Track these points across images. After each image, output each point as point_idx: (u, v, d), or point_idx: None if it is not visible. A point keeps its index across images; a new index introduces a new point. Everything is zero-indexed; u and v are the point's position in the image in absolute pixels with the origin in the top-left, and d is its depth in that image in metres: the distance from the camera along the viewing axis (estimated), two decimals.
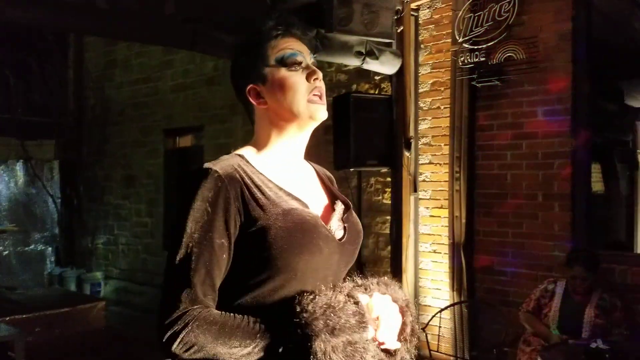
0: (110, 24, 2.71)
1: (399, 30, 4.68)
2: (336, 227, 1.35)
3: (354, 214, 1.43)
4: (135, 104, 7.98)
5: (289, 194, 1.29)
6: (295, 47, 1.33)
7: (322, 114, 1.34)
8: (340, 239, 1.33)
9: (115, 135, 8.28)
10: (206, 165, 1.24)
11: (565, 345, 3.45)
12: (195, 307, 1.15)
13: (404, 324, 1.29)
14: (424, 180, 4.91)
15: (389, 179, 5.04)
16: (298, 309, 1.16)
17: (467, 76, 4.50)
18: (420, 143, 4.92)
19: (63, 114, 8.77)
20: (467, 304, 4.56)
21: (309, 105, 1.32)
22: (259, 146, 1.36)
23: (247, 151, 1.35)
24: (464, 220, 4.56)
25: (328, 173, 1.52)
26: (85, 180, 8.69)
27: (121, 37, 4.93)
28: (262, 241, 1.20)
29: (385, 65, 4.61)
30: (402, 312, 1.30)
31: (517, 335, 3.96)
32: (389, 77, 4.90)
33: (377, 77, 5.24)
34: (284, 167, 1.35)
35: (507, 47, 4.29)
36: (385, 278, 1.35)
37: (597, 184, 5.91)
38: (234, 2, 3.21)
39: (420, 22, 4.91)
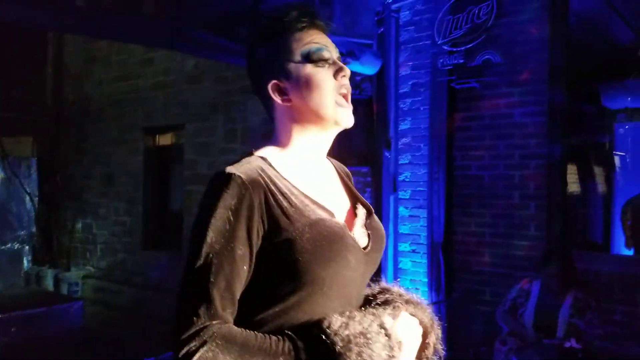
0: (88, 22, 2.69)
1: (379, 31, 4.71)
2: (360, 235, 1.27)
3: (377, 219, 1.35)
4: (115, 101, 7.92)
5: (315, 202, 1.20)
6: (321, 41, 1.24)
7: (348, 120, 1.26)
8: (364, 248, 1.25)
9: (95, 133, 8.20)
10: (228, 169, 1.15)
11: (540, 344, 3.50)
12: (214, 322, 1.08)
13: (427, 344, 1.25)
14: (403, 180, 4.95)
15: (369, 179, 5.08)
16: (329, 333, 1.09)
17: (446, 78, 4.54)
18: (400, 143, 4.96)
19: (41, 111, 8.66)
20: (445, 303, 4.61)
21: (337, 108, 1.24)
22: (281, 145, 1.27)
23: (269, 151, 1.25)
24: (442, 220, 4.61)
25: (346, 169, 1.43)
26: (63, 178, 8.59)
27: (99, 36, 4.89)
28: (288, 253, 1.13)
29: (365, 66, 4.64)
30: (426, 333, 1.25)
31: (494, 334, 4.01)
32: (369, 78, 4.93)
33: (357, 78, 5.27)
34: (306, 168, 1.27)
35: (485, 49, 4.34)
36: (415, 297, 1.29)
37: (573, 185, 6.02)
38: (214, 2, 3.21)
39: (400, 23, 4.94)
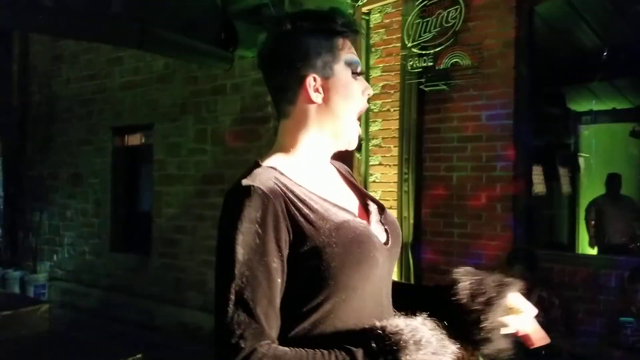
0: (55, 22, 2.66)
1: None
2: (378, 231, 1.25)
3: (390, 214, 1.33)
4: (82, 100, 7.80)
5: (336, 205, 1.18)
6: (356, 55, 1.26)
7: (355, 144, 1.29)
8: (385, 243, 1.24)
9: (62, 133, 8.07)
10: (245, 182, 1.11)
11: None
12: (263, 342, 1.04)
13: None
14: (374, 181, 5.00)
15: None
16: (381, 332, 1.07)
17: (415, 80, 4.60)
18: (370, 145, 5.00)
19: (7, 110, 8.49)
20: None
21: (355, 130, 1.27)
22: (286, 150, 1.25)
23: (277, 160, 1.22)
24: (412, 221, 4.66)
25: (345, 166, 1.41)
26: (29, 179, 8.43)
27: (66, 36, 4.82)
28: (318, 261, 1.10)
29: None
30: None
31: None
32: None
33: None
34: (314, 172, 1.25)
35: (453, 52, 4.41)
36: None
37: (539, 186, 6.14)
38: (184, 3, 3.20)
39: (371, 26, 4.99)
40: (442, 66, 4.46)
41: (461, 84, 4.43)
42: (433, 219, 4.66)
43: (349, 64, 1.24)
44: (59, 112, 8.10)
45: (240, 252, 1.06)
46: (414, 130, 4.68)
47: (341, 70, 1.23)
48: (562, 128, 7.50)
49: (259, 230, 1.07)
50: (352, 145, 1.28)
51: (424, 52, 4.52)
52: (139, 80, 7.10)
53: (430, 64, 4.48)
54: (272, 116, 5.73)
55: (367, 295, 1.16)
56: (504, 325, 1.22)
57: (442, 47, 4.43)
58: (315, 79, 1.21)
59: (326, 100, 1.22)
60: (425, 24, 4.51)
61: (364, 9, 4.89)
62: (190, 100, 6.53)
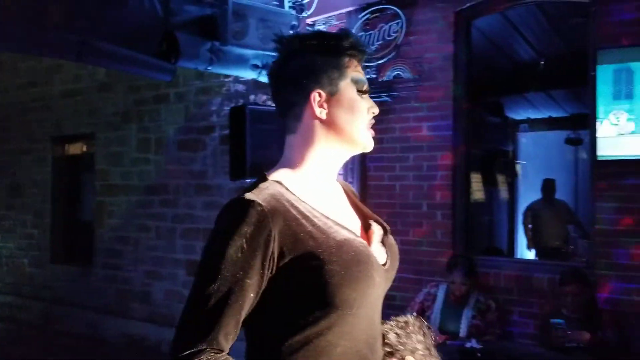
0: None
1: None
2: (378, 252, 1.29)
3: (392, 237, 1.37)
4: (21, 109, 7.58)
5: (338, 223, 1.21)
6: (363, 74, 1.30)
7: (372, 146, 1.33)
8: (383, 264, 1.28)
9: (0, 142, 7.81)
10: (248, 196, 1.14)
11: (444, 345, 3.69)
12: (213, 348, 1.08)
13: None
14: None
15: None
16: None
17: None
18: None
19: None
20: None
21: (368, 134, 1.30)
22: (293, 166, 1.27)
23: (283, 175, 1.25)
24: None
25: (351, 187, 1.44)
26: None
27: (2, 48, 4.68)
28: (317, 276, 1.13)
29: None
30: None
31: None
32: None
33: None
34: (320, 189, 1.28)
35: (396, 65, 4.53)
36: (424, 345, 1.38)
37: (478, 193, 6.34)
38: (124, 14, 3.17)
39: None
40: (384, 78, 4.57)
41: (403, 96, 4.55)
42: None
43: (355, 81, 1.27)
44: None
45: (222, 261, 1.10)
46: None
47: (347, 87, 1.26)
48: (500, 136, 7.78)
49: (244, 246, 1.10)
50: (368, 149, 1.32)
51: (367, 64, 4.62)
52: (80, 89, 6.96)
53: (374, 75, 4.58)
54: (218, 125, 5.72)
55: (362, 314, 1.19)
56: None
57: (385, 59, 4.54)
58: (320, 95, 1.25)
59: (331, 115, 1.25)
60: (368, 36, 4.61)
61: (309, 21, 4.95)
62: (133, 109, 6.44)
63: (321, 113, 1.25)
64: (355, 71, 1.28)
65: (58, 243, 7.26)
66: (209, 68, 4.23)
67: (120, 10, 3.28)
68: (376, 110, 1.32)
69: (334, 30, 4.88)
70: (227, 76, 5.54)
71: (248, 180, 4.71)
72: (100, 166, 6.76)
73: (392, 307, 4.52)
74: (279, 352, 1.15)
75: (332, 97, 1.25)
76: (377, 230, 1.34)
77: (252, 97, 5.53)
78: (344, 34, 1.29)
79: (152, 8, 3.63)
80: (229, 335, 1.11)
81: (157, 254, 6.16)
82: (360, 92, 1.29)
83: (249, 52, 4.35)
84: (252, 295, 1.12)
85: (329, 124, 1.26)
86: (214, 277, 1.10)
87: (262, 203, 1.13)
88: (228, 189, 5.49)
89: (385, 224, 1.37)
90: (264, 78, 4.64)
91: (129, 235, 6.42)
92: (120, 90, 6.56)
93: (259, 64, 4.46)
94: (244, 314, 1.13)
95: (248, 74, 4.58)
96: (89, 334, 6.53)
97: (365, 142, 1.30)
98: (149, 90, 6.27)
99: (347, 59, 1.27)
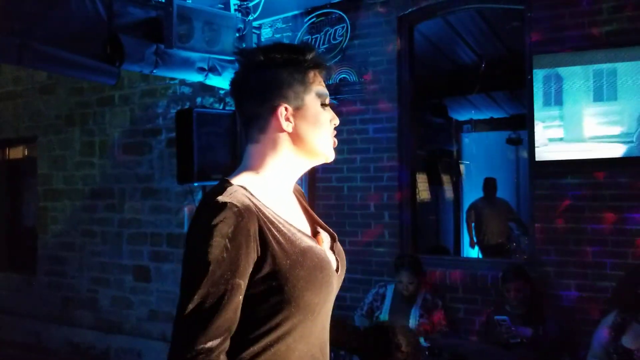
0: None
1: (241, 48, 4.79)
2: (331, 258, 1.34)
3: (339, 244, 1.43)
4: None
5: (300, 231, 1.26)
6: (325, 87, 1.35)
7: (333, 157, 1.38)
8: (336, 270, 1.33)
9: None
10: (221, 198, 1.16)
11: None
12: (212, 352, 1.11)
13: None
14: None
15: None
16: None
17: None
18: None
19: None
20: None
21: (331, 147, 1.35)
22: (254, 170, 1.30)
23: (245, 178, 1.28)
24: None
25: (301, 190, 1.48)
26: None
27: None
28: (283, 282, 1.17)
29: (228, 81, 4.70)
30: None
31: None
32: None
33: (221, 92, 5.31)
34: (280, 196, 1.32)
35: (341, 68, 4.59)
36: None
37: (424, 193, 6.50)
38: (66, 16, 3.11)
39: (262, 40, 5.06)
40: (330, 81, 4.62)
41: (349, 99, 4.62)
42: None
43: (319, 95, 1.32)
44: None
45: (208, 265, 1.11)
46: None
47: (311, 101, 1.30)
48: (445, 137, 7.98)
49: (228, 245, 1.12)
50: (330, 159, 1.37)
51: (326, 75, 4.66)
52: (19, 91, 6.74)
53: (331, 74, 4.63)
54: (164, 128, 5.65)
55: (319, 319, 1.26)
56: None
57: (331, 63, 4.59)
58: (286, 109, 1.28)
59: (296, 128, 1.29)
60: (314, 40, 4.66)
61: (255, 24, 4.96)
62: (76, 112, 6.29)
63: (288, 126, 1.29)
64: (320, 85, 1.33)
65: (0, 250, 7.00)
66: (154, 71, 4.18)
67: (62, 13, 3.20)
68: (337, 122, 1.36)
69: (285, 35, 4.92)
70: (172, 79, 5.48)
71: (196, 184, 4.69)
72: (42, 170, 6.57)
73: (342, 308, 4.59)
74: (240, 358, 1.17)
75: (297, 111, 1.29)
76: (325, 238, 1.38)
77: (198, 99, 5.49)
78: (306, 48, 1.33)
79: (95, 10, 3.56)
80: (226, 337, 1.13)
81: (103, 260, 6.03)
82: (323, 105, 1.33)
83: (194, 55, 4.32)
84: (240, 297, 1.15)
85: (295, 136, 1.30)
86: (202, 282, 1.11)
87: (237, 204, 1.15)
88: (175, 193, 5.44)
89: (332, 231, 1.42)
90: (210, 81, 4.63)
91: (74, 241, 6.26)
92: (62, 93, 6.38)
93: (205, 66, 4.44)
94: (238, 313, 1.15)
95: (194, 77, 4.55)
96: (33, 343, 6.34)
97: (327, 154, 1.35)
98: (93, 93, 6.13)
99: (312, 73, 1.32)
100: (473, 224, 6.83)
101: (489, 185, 6.77)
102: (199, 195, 5.03)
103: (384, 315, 4.05)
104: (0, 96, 6.90)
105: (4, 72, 6.83)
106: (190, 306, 1.11)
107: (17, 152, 7.14)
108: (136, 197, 5.82)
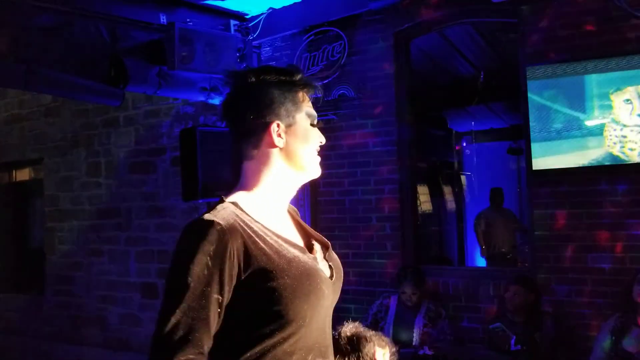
0: None
1: (242, 67, 4.89)
2: (323, 267, 1.40)
3: (333, 252, 1.50)
4: None
5: (287, 241, 1.33)
6: (312, 107, 1.44)
7: (319, 173, 1.46)
8: (330, 277, 1.40)
9: None
10: (207, 217, 1.24)
11: (397, 354, 3.81)
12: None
13: None
14: None
15: None
16: None
17: None
18: None
19: None
20: None
21: (317, 164, 1.44)
22: (248, 188, 1.38)
23: (239, 197, 1.36)
24: None
25: (295, 209, 1.55)
26: None
27: None
28: (271, 292, 1.23)
29: None
30: None
31: None
32: None
33: None
34: (273, 211, 1.39)
35: (340, 84, 4.68)
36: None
37: (426, 204, 6.56)
38: (70, 41, 3.21)
39: (262, 59, 5.17)
40: (330, 97, 4.71)
41: (348, 113, 4.70)
42: (329, 241, 4.85)
43: (309, 115, 1.42)
44: None
45: (189, 281, 1.18)
46: None
47: (302, 119, 1.40)
48: (445, 148, 8.04)
49: (209, 263, 1.19)
50: (316, 175, 1.46)
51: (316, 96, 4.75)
52: (25, 114, 6.87)
53: (319, 95, 4.71)
54: (168, 147, 5.75)
55: (314, 325, 1.30)
56: None
57: (330, 79, 4.69)
58: (278, 125, 1.37)
59: (287, 144, 1.38)
60: (312, 57, 4.76)
61: (255, 43, 5.07)
62: (81, 133, 6.40)
63: (280, 142, 1.37)
64: (308, 106, 1.43)
65: (7, 271, 7.08)
66: (157, 92, 4.29)
67: (67, 38, 3.31)
68: (323, 140, 1.47)
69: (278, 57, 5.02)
70: (176, 99, 5.59)
71: (201, 201, 4.76)
72: (49, 192, 6.66)
73: (346, 320, 4.62)
74: None
75: (289, 128, 1.39)
76: (319, 248, 1.46)
77: (201, 118, 5.59)
78: (294, 69, 1.43)
79: (99, 35, 3.68)
80: (204, 349, 1.19)
81: (110, 278, 6.10)
82: (313, 124, 1.44)
83: (196, 75, 4.43)
84: (218, 310, 1.21)
85: (286, 152, 1.39)
86: (183, 296, 1.18)
87: (221, 222, 1.23)
88: (181, 210, 5.51)
89: (326, 240, 1.50)
90: (212, 100, 4.73)
91: (81, 261, 6.34)
92: (67, 115, 6.50)
93: (207, 86, 4.55)
94: (215, 327, 1.22)
95: (197, 97, 4.66)
96: None
97: (314, 169, 1.45)
98: (98, 114, 6.24)
99: (301, 93, 1.42)
100: (482, 232, 6.86)
101: (496, 195, 6.83)
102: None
103: (388, 326, 4.10)
104: (6, 119, 7.02)
105: (10, 96, 6.95)
106: (172, 320, 1.17)
107: (23, 174, 7.24)
108: (142, 215, 5.90)
